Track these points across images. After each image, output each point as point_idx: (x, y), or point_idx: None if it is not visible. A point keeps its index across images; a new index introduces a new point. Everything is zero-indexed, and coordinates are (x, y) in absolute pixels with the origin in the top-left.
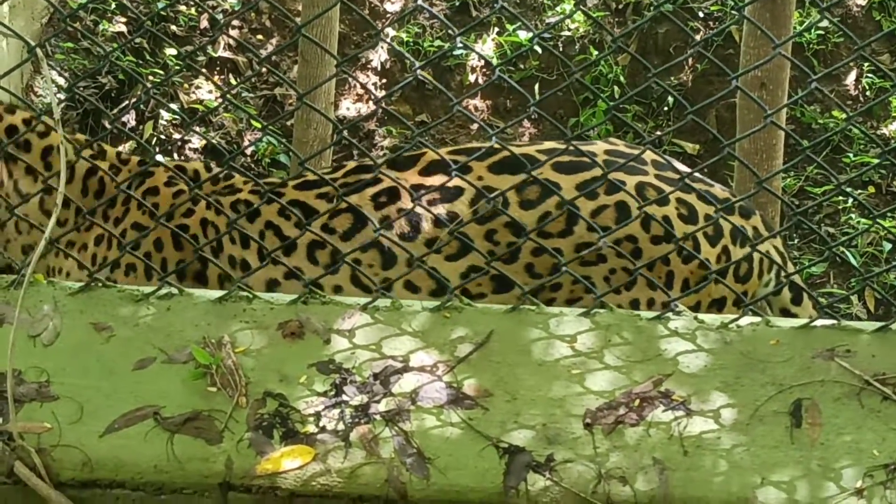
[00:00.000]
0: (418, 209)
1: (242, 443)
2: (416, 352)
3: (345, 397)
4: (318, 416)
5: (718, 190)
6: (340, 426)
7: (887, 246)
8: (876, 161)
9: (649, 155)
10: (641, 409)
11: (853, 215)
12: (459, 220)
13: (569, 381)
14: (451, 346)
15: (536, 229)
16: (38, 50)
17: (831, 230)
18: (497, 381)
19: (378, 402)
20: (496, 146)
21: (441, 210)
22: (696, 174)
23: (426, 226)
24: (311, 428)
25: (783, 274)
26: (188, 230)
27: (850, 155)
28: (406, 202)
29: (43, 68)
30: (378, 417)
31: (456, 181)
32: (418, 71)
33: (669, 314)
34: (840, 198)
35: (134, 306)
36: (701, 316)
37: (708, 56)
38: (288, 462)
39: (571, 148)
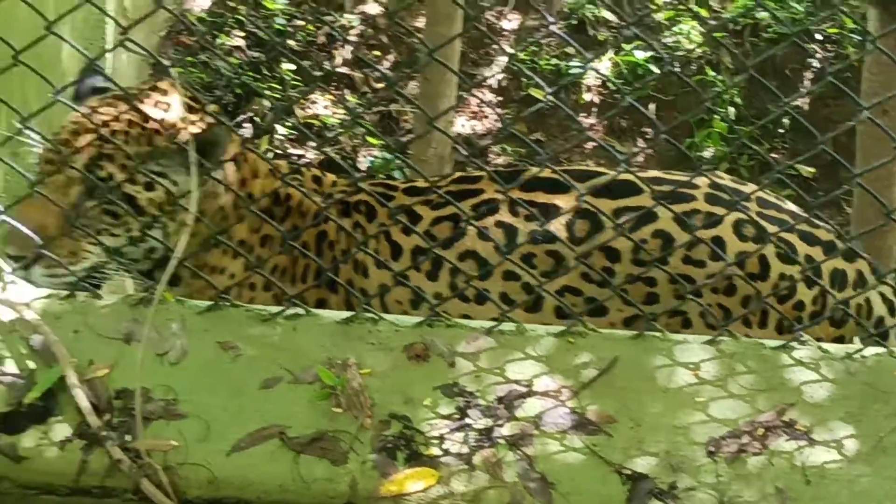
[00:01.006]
0: (516, 223)
1: (367, 464)
2: (540, 376)
3: (469, 420)
4: (442, 438)
5: (823, 232)
6: (464, 449)
7: None
8: None
9: (755, 192)
10: (765, 438)
11: None
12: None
13: (692, 409)
14: (575, 372)
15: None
16: (172, 71)
17: None
18: (621, 408)
19: (502, 426)
20: (596, 169)
21: (538, 227)
22: (800, 213)
23: (522, 240)
24: (435, 451)
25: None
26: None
27: None
28: (505, 215)
29: (176, 85)
30: (502, 441)
31: (554, 199)
32: (548, 96)
33: (794, 344)
34: None
35: (261, 326)
36: (825, 346)
37: (837, 84)
38: (412, 484)
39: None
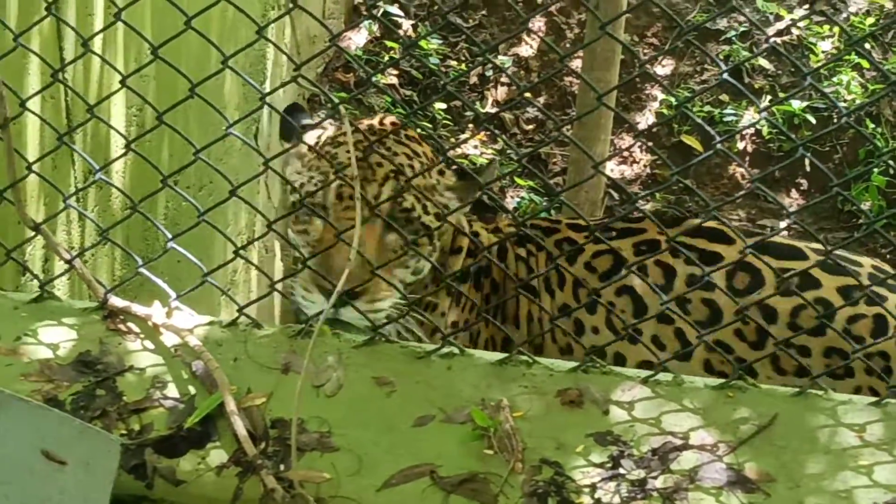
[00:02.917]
0: (675, 265)
1: None
2: (696, 429)
3: (622, 470)
4: (593, 487)
5: None
6: (616, 499)
7: None
8: None
9: None
10: None
11: None
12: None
13: (856, 472)
14: (733, 427)
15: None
16: (341, 108)
17: None
18: (780, 467)
19: (656, 478)
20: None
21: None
22: None
23: (678, 284)
24: (587, 499)
25: None
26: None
27: None
28: (665, 256)
29: (344, 124)
30: (655, 494)
31: (716, 247)
32: (718, 144)
33: None
34: None
35: (416, 363)
36: None
37: None
38: None
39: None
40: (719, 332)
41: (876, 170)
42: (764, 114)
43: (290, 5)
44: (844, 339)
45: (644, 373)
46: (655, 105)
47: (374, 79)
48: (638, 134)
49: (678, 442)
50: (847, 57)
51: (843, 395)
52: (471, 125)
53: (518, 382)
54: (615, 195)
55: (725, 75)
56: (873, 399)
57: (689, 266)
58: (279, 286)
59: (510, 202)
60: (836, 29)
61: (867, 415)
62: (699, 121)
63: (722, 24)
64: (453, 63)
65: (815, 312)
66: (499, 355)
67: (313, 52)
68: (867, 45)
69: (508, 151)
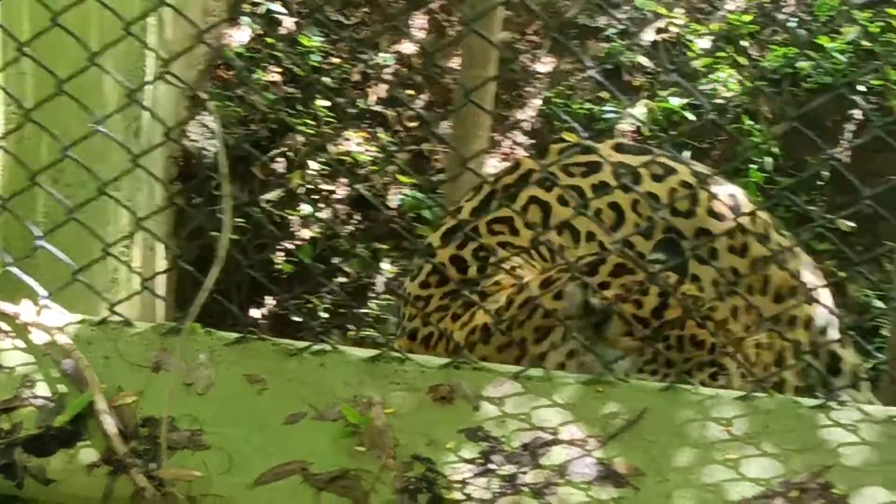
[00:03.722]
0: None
1: None
2: (566, 424)
3: (492, 466)
4: (464, 483)
5: None
6: (487, 495)
7: None
8: None
9: None
10: (799, 500)
11: None
12: None
13: (723, 466)
14: (602, 421)
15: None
16: (210, 105)
17: None
18: (649, 461)
19: (526, 473)
20: None
21: None
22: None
23: None
24: (458, 495)
25: None
26: None
27: None
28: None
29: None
30: (525, 489)
31: None
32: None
33: (832, 404)
34: None
35: (288, 360)
36: (866, 408)
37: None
38: None
39: None
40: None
41: (754, 166)
42: (641, 110)
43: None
44: None
45: (515, 368)
46: (538, 102)
47: (254, 76)
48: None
49: (548, 437)
50: (725, 54)
51: (710, 389)
52: (354, 122)
53: (390, 379)
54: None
55: (593, 72)
56: (740, 393)
57: None
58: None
59: (392, 199)
60: (714, 26)
61: (734, 409)
62: (565, 116)
63: (602, 21)
64: (336, 60)
65: None
66: (371, 352)
67: (192, 50)
68: (745, 43)
69: (392, 149)
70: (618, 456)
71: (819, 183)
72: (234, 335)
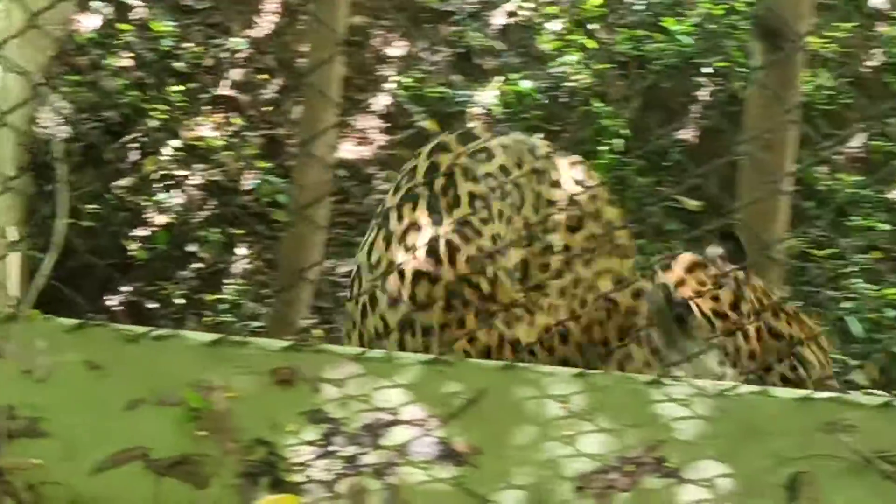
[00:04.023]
0: None
1: (230, 489)
2: (407, 405)
3: (334, 447)
4: (305, 465)
5: None
6: (328, 477)
7: (890, 312)
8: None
9: None
10: (634, 474)
11: (857, 280)
12: None
13: (561, 443)
14: (443, 401)
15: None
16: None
17: (833, 294)
18: (488, 439)
19: (367, 454)
20: None
21: None
22: None
23: None
24: (299, 477)
25: None
26: None
27: (856, 218)
28: None
29: (49, 103)
30: (366, 469)
31: None
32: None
33: (666, 379)
34: (844, 261)
35: (128, 346)
36: (698, 382)
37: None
38: None
39: None
40: None
41: (607, 147)
42: (494, 93)
43: None
44: None
45: (356, 350)
46: (391, 86)
47: (105, 62)
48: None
49: (389, 417)
50: (573, 37)
51: (547, 367)
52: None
53: (232, 363)
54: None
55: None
56: (577, 371)
57: None
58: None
59: (248, 184)
60: (563, 10)
61: (571, 386)
62: (412, 103)
63: (453, 4)
64: (188, 45)
65: None
66: (212, 336)
67: (40, 36)
68: (593, 26)
69: (245, 133)
70: (458, 435)
71: (667, 164)
72: (74, 321)
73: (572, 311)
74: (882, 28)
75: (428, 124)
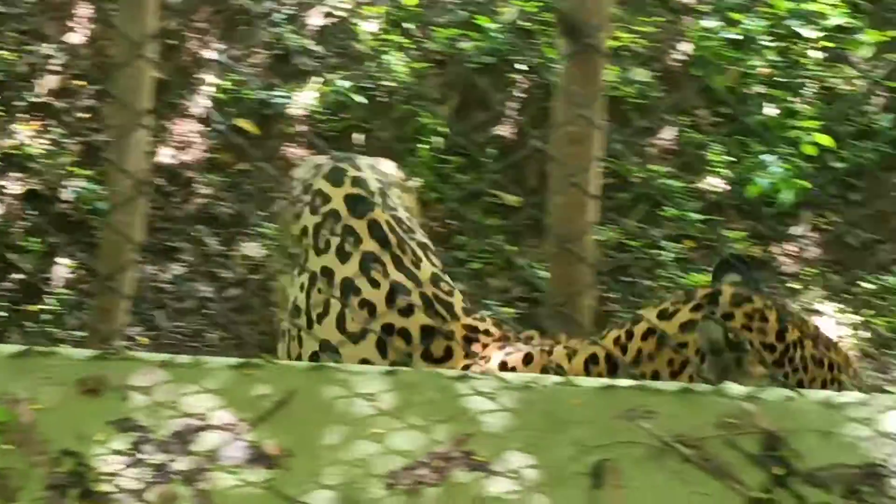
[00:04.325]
0: None
1: (38, 502)
2: (216, 410)
3: (143, 456)
4: (114, 475)
5: None
6: (138, 486)
7: None
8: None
9: None
10: (443, 469)
11: (671, 269)
12: None
13: (371, 441)
14: (252, 404)
15: None
16: None
17: (649, 283)
18: (298, 441)
19: (177, 461)
20: None
21: None
22: None
23: None
24: (108, 487)
25: None
26: None
27: (668, 209)
28: None
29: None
30: (177, 477)
31: None
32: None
33: (473, 373)
34: (658, 251)
35: None
36: (504, 375)
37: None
38: None
39: None
40: None
41: (427, 146)
42: (313, 95)
43: None
44: None
45: (163, 356)
46: (210, 90)
47: None
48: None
49: (198, 423)
50: (390, 37)
51: (356, 366)
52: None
53: (38, 374)
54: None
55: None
56: (385, 368)
57: None
58: None
59: (66, 194)
60: (379, 9)
61: (380, 384)
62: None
63: (267, 5)
64: (1, 53)
65: None
66: (18, 347)
67: None
68: (409, 25)
69: (63, 141)
70: (268, 437)
71: (486, 160)
72: None
73: (617, 339)
74: (688, 21)
75: (247, 126)
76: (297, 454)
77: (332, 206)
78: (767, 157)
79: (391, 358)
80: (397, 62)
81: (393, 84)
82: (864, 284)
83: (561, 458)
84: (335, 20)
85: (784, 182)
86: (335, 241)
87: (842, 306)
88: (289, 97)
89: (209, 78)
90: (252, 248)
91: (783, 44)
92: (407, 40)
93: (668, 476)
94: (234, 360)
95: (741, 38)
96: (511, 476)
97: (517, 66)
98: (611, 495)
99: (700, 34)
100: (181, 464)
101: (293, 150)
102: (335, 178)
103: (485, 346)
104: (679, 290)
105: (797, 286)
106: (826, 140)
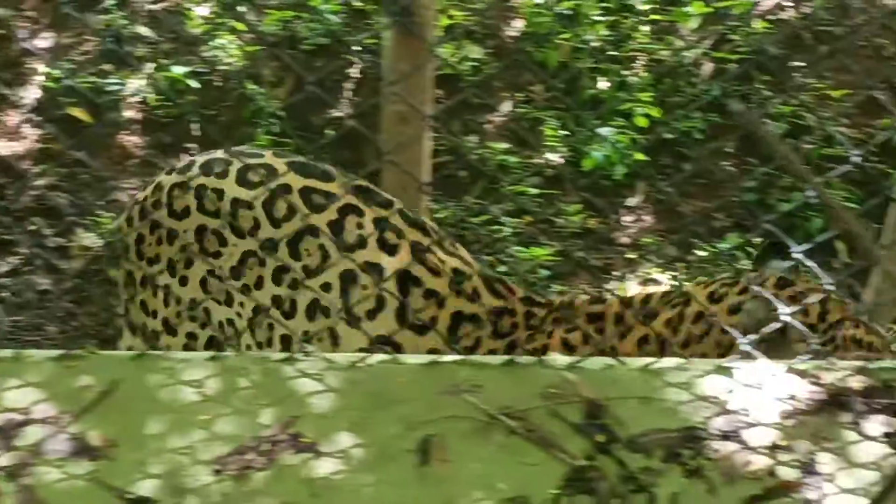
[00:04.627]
0: None
1: None
2: (38, 403)
3: None
4: None
5: None
6: None
7: (543, 272)
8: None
9: None
10: (270, 452)
11: (511, 244)
12: None
13: (197, 428)
14: (76, 396)
15: None
16: None
17: (489, 258)
18: (123, 431)
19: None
20: None
21: None
22: None
23: None
24: None
25: None
26: None
27: (507, 184)
28: None
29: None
30: (0, 473)
31: None
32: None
33: (299, 355)
34: (498, 227)
35: None
36: (330, 356)
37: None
38: None
39: None
40: None
41: (261, 130)
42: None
43: None
44: None
45: None
46: (41, 79)
47: None
48: None
49: (21, 418)
50: (223, 20)
51: (181, 353)
52: None
53: None
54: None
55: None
56: (210, 354)
57: None
58: None
59: None
60: None
61: (205, 370)
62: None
63: None
64: None
65: None
66: None
67: None
68: (242, 8)
69: None
70: (92, 429)
71: (324, 142)
72: None
73: (669, 320)
74: None
75: (80, 115)
76: (122, 444)
77: (345, 202)
78: (602, 131)
79: (464, 345)
80: (231, 45)
81: (227, 68)
82: (698, 252)
83: (387, 435)
84: (167, 4)
85: (618, 154)
86: (372, 235)
87: (676, 274)
88: (122, 84)
89: (40, 67)
90: (89, 239)
91: (614, 17)
92: (239, 23)
93: (494, 448)
94: (56, 353)
95: (572, 12)
96: (339, 456)
97: (353, 47)
98: (438, 470)
99: (532, 10)
100: (4, 459)
101: (128, 138)
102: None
103: (542, 319)
104: (725, 273)
105: (633, 256)
106: (657, 111)
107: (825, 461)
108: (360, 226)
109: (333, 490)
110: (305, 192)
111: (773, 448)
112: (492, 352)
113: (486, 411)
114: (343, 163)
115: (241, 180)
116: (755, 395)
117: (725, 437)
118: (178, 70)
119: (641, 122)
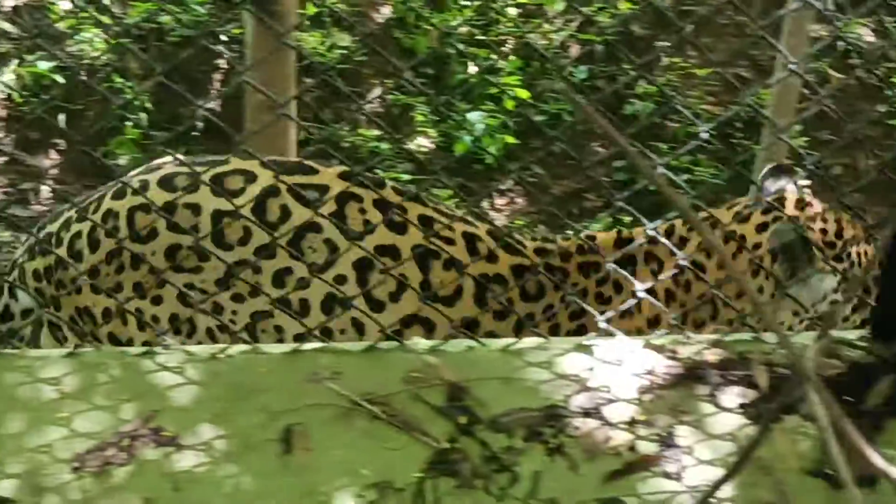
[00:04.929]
0: None
1: None
2: None
3: None
4: None
5: None
6: None
7: None
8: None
9: None
10: (131, 447)
11: None
12: None
13: (56, 426)
14: None
15: None
16: None
17: None
18: None
19: None
20: None
21: None
22: None
23: None
24: None
25: None
26: None
27: (379, 171)
28: None
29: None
30: None
31: None
32: None
33: (157, 349)
34: None
35: None
36: (190, 348)
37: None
38: None
39: None
40: None
41: (130, 123)
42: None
43: None
44: None
45: None
46: None
47: None
48: None
49: None
50: (87, 14)
51: (38, 350)
52: None
53: None
54: None
55: None
56: (68, 351)
57: None
58: None
59: None
60: None
61: (63, 367)
62: None
63: None
64: None
65: None
66: None
67: None
68: (107, 1)
69: None
70: None
71: (194, 133)
72: None
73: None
74: None
75: None
76: None
77: (339, 190)
78: (472, 115)
79: (493, 308)
80: (96, 38)
81: (92, 62)
82: (569, 233)
83: (250, 426)
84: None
85: (488, 138)
86: (377, 218)
87: None
88: None
89: None
90: None
91: (481, 2)
92: (104, 16)
93: (357, 434)
94: None
95: None
96: (201, 449)
97: (221, 37)
98: (301, 459)
99: None
100: None
101: None
102: (309, 169)
103: (565, 273)
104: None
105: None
106: (524, 94)
107: (683, 434)
108: (362, 211)
109: (196, 483)
110: (295, 190)
111: (633, 423)
112: (529, 316)
113: (348, 397)
114: (214, 153)
115: (218, 191)
116: (615, 371)
117: (586, 414)
118: (43, 65)
119: (510, 104)
